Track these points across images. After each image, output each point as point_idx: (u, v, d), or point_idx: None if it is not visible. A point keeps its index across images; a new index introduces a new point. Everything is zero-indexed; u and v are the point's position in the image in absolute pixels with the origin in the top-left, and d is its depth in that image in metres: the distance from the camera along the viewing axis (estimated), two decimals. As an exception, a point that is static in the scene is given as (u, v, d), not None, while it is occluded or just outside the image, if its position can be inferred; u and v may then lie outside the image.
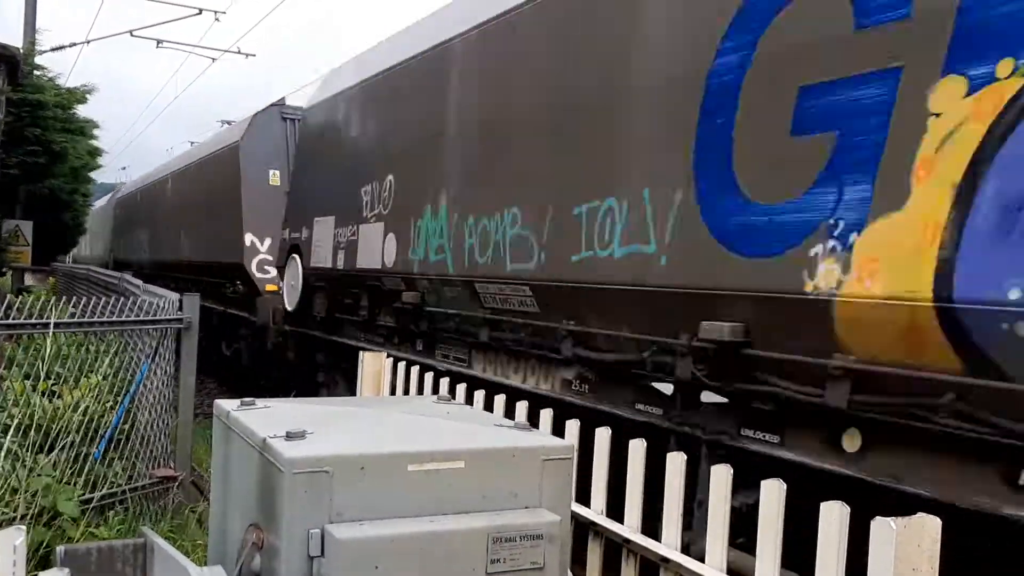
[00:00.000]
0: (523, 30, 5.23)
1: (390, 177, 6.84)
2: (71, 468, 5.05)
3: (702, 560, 2.74)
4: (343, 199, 7.72)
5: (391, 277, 6.69)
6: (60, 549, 2.94)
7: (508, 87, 5.35)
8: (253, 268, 11.99)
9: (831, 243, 3.08)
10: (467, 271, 5.55)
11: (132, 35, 19.76)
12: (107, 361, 5.94)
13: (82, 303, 5.54)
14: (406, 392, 4.82)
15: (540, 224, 4.80)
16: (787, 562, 2.51)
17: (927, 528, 2.00)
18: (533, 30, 5.12)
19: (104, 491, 5.26)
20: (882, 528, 2.04)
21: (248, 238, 12.12)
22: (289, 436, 2.43)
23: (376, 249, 6.93)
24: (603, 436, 3.29)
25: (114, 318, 5.64)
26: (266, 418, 2.72)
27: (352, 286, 7.56)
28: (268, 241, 11.83)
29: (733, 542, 2.74)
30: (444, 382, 4.42)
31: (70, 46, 19.36)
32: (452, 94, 6.01)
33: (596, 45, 4.54)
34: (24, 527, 2.13)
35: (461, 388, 4.24)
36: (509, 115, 5.30)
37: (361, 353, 5.05)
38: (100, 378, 5.74)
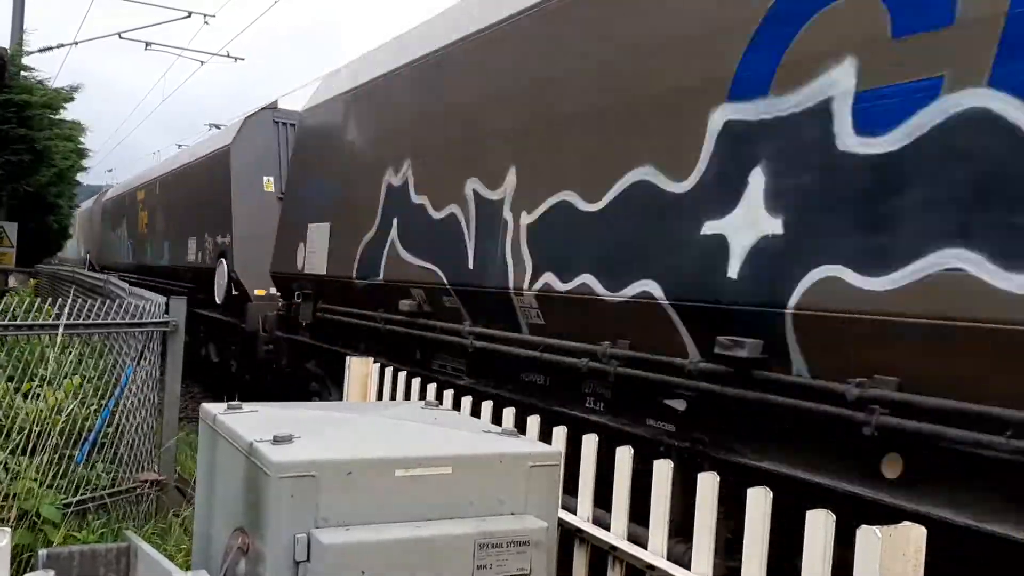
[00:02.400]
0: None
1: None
2: (53, 471, 5.00)
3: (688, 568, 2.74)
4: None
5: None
6: (42, 552, 2.91)
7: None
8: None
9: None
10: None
11: (120, 37, 19.69)
12: (91, 363, 5.90)
13: (67, 305, 5.50)
14: (393, 397, 4.81)
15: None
16: None
17: (912, 537, 2.01)
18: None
19: (87, 495, 5.22)
20: (867, 537, 2.05)
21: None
22: (276, 440, 2.42)
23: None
24: (590, 443, 3.29)
25: (99, 320, 5.61)
26: (253, 422, 2.71)
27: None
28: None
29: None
30: (431, 388, 4.41)
31: (58, 47, 19.28)
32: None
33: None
34: (8, 529, 2.11)
35: (448, 394, 4.23)
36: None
37: (348, 358, 5.02)
38: (83, 380, 5.70)
